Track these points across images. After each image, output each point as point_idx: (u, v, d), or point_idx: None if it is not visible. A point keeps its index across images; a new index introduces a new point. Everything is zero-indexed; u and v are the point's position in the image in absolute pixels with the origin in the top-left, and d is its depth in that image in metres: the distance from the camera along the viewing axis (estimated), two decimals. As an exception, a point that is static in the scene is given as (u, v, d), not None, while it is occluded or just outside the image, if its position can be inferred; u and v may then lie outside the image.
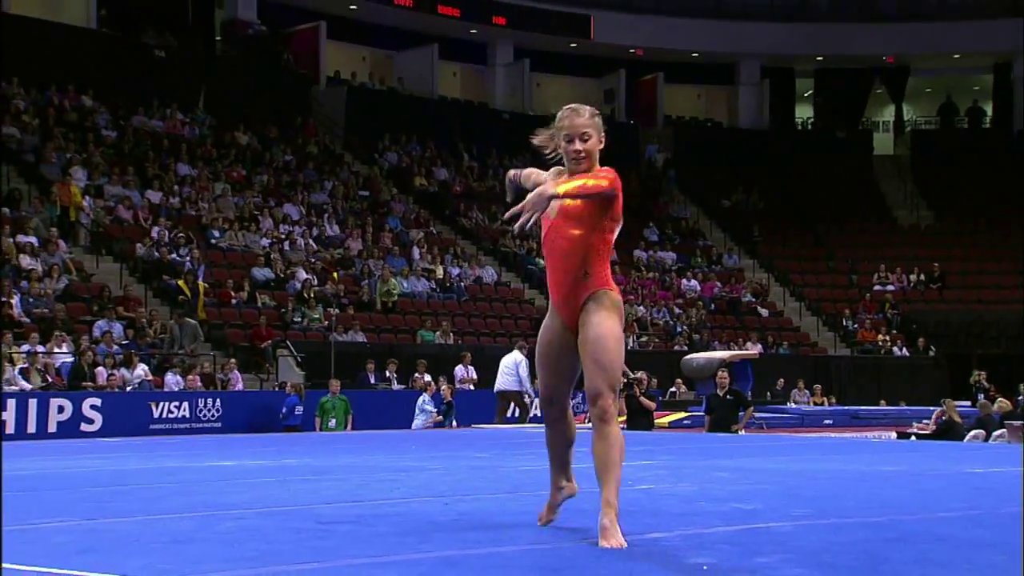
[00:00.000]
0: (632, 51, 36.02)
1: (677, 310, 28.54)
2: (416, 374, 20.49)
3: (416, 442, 13.71)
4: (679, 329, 27.51)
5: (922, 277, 32.43)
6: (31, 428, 16.29)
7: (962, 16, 35.82)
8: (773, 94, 37.75)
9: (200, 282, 21.05)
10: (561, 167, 4.95)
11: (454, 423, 19.05)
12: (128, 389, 18.16)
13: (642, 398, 17.09)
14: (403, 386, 20.70)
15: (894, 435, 18.43)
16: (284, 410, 18.59)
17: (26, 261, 19.94)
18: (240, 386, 19.66)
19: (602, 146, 4.85)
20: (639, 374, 17.73)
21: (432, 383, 19.72)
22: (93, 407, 17.03)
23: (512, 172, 5.48)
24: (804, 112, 39.44)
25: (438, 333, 23.34)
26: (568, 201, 4.75)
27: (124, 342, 19.37)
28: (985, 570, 4.30)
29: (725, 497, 6.69)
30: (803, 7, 37.21)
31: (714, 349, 24.15)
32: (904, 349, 29.42)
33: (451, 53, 34.71)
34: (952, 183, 35.69)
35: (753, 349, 24.81)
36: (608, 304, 4.81)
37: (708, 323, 28.52)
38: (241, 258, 23.48)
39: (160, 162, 25.32)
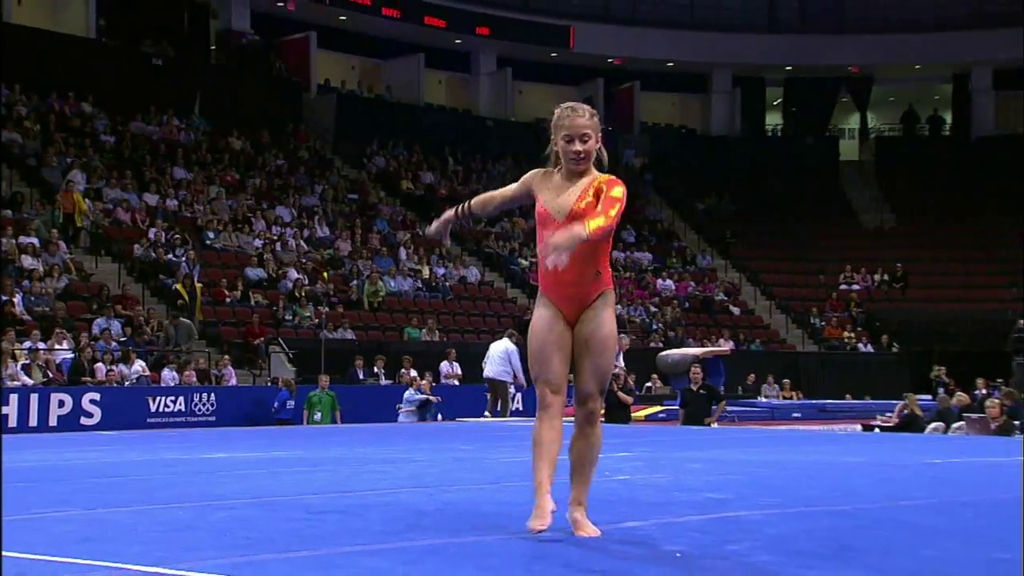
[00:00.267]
0: (610, 60, 36.05)
1: (653, 308, 28.58)
2: (403, 370, 20.47)
3: (403, 435, 13.70)
4: (655, 327, 27.54)
5: (886, 277, 32.53)
6: (33, 422, 16.22)
7: (923, 29, 35.94)
8: (744, 102, 37.80)
9: (198, 284, 20.98)
10: (544, 169, 4.81)
11: (439, 417, 19.03)
12: (126, 384, 18.12)
13: (620, 393, 17.08)
14: (390, 381, 20.67)
15: (859, 427, 18.46)
16: (276, 404, 18.56)
17: (28, 261, 19.88)
18: (234, 381, 19.62)
19: (598, 146, 4.72)
20: (617, 370, 17.73)
21: (418, 378, 19.71)
22: (92, 401, 16.97)
23: (446, 215, 5.27)
24: (774, 119, 39.51)
25: (424, 330, 23.33)
26: (585, 201, 4.64)
27: (122, 339, 19.31)
28: (942, 555, 4.32)
29: (698, 487, 6.70)
30: (773, 19, 37.29)
31: (688, 346, 24.14)
32: (869, 346, 29.51)
33: (437, 62, 34.68)
34: (914, 188, 35.80)
35: (725, 346, 24.81)
36: (612, 304, 4.79)
37: (682, 321, 28.55)
38: (235, 258, 23.42)
39: (157, 166, 25.25)
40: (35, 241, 20.62)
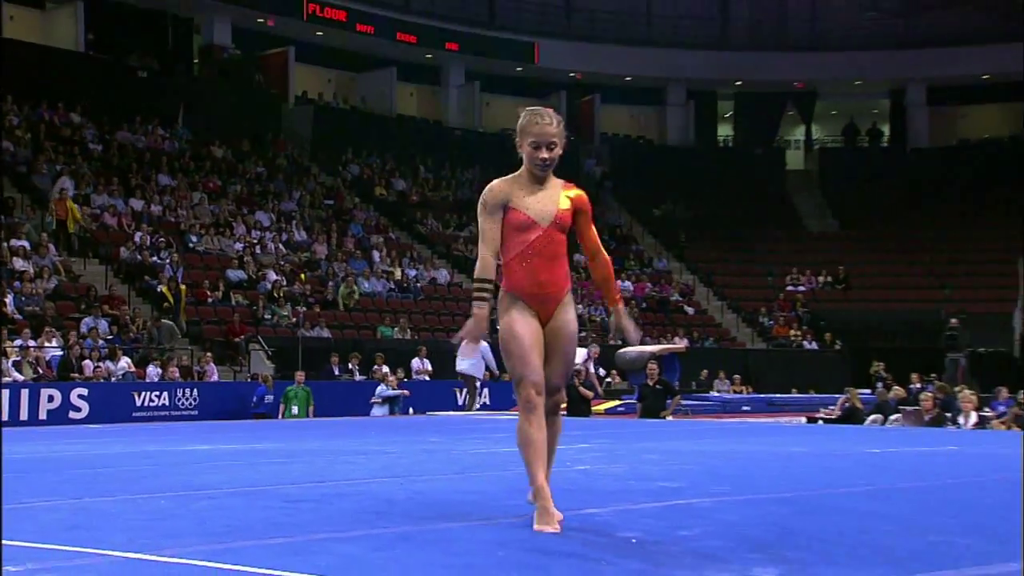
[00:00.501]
0: (572, 75, 36.09)
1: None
2: (375, 366, 20.43)
3: (376, 428, 13.67)
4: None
5: (829, 279, 32.75)
6: (23, 415, 16.08)
7: (862, 47, 36.21)
8: (697, 114, 37.93)
9: (182, 286, 20.84)
10: (497, 181, 4.66)
11: (410, 410, 18.99)
12: (112, 380, 17.98)
13: (581, 388, 17.11)
14: (364, 377, 20.62)
15: (804, 420, 18.50)
16: (255, 399, 18.48)
17: (19, 263, 19.71)
18: (215, 377, 19.52)
19: (561, 152, 4.64)
20: (578, 366, 17.75)
21: (389, 374, 19.68)
22: (80, 396, 16.84)
23: (481, 312, 4.61)
24: (725, 131, 39.68)
25: (396, 329, 23.28)
26: (563, 207, 4.62)
27: (109, 337, 19.18)
28: (880, 539, 4.35)
29: (654, 477, 6.71)
30: (724, 37, 37.46)
31: (645, 344, 24.21)
32: (813, 343, 29.68)
33: (408, 75, 34.63)
34: (855, 195, 36.03)
35: (680, 343, 24.87)
36: (573, 304, 4.79)
37: (640, 320, 28.60)
38: (216, 260, 23.29)
39: (142, 173, 25.09)
40: (26, 244, 20.45)
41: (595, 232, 4.85)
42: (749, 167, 37.02)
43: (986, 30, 35.03)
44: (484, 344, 17.76)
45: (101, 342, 18.69)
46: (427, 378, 21.21)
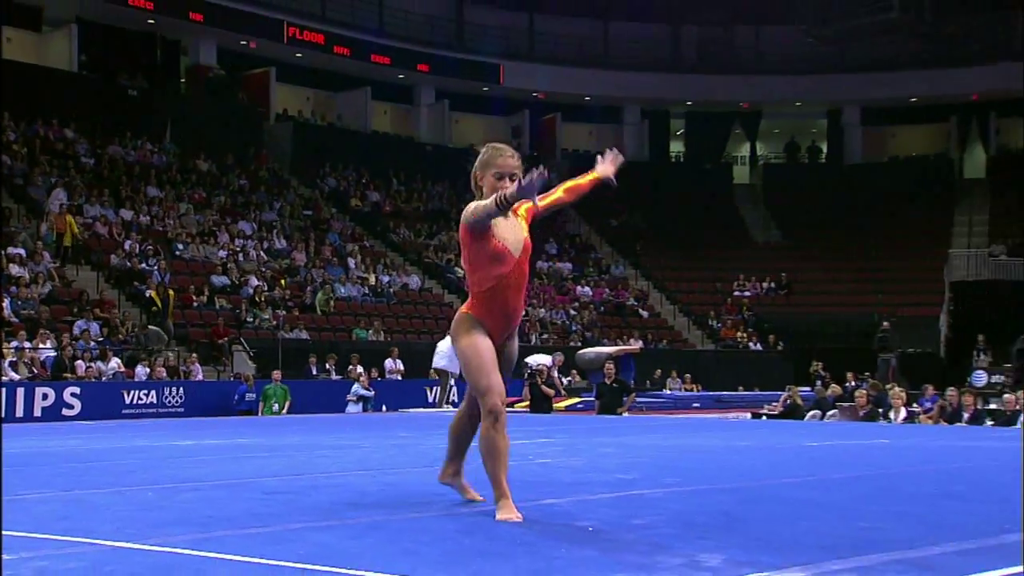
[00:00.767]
0: (535, 94, 36.12)
1: (572, 312, 28.67)
2: (350, 366, 20.34)
3: (351, 425, 13.61)
4: (574, 328, 27.63)
5: (772, 285, 32.94)
6: (19, 413, 15.89)
7: (803, 72, 36.44)
8: (651, 132, 38.02)
9: (170, 292, 20.67)
10: (483, 201, 4.58)
11: (383, 408, 18.93)
12: (103, 379, 17.81)
13: (543, 386, 17.12)
14: (340, 376, 20.52)
15: (749, 415, 18.58)
16: (236, 396, 18.34)
17: (15, 270, 19.50)
18: (200, 377, 19.37)
19: None
20: (540, 366, 17.76)
21: (364, 374, 19.60)
22: (73, 395, 16.67)
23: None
24: (677, 147, 39.80)
25: (371, 331, 23.20)
26: (526, 234, 4.68)
27: (100, 339, 19.00)
28: (816, 526, 4.38)
29: (610, 469, 6.72)
30: (676, 61, 37.60)
31: (603, 345, 24.26)
32: (758, 344, 29.82)
33: (382, 94, 34.51)
34: (796, 208, 36.24)
35: (635, 345, 24.90)
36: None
37: (598, 323, 28.68)
38: (201, 267, 23.13)
39: (132, 185, 24.89)
40: (22, 252, 20.24)
41: (546, 200, 4.88)
42: (699, 181, 37.18)
43: (915, 57, 35.42)
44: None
45: (92, 344, 18.51)
46: (399, 377, 21.16)
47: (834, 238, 34.75)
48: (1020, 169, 34.93)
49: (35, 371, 17.19)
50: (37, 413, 16.12)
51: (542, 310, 27.60)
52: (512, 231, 4.63)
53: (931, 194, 34.98)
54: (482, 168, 4.65)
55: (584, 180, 5.02)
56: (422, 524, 4.36)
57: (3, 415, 15.36)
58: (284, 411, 18.06)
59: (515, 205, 4.65)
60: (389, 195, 31.26)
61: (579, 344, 24.98)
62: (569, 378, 22.66)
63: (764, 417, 17.85)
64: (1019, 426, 12.89)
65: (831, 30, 32.67)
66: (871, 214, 35.35)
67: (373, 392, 19.09)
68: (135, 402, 17.35)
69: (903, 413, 14.73)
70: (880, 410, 15.06)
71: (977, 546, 3.91)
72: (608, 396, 15.79)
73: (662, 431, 11.56)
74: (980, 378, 21.63)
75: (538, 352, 21.05)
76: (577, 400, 19.45)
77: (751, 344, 29.70)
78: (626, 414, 15.70)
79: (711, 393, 23.19)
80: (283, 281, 23.75)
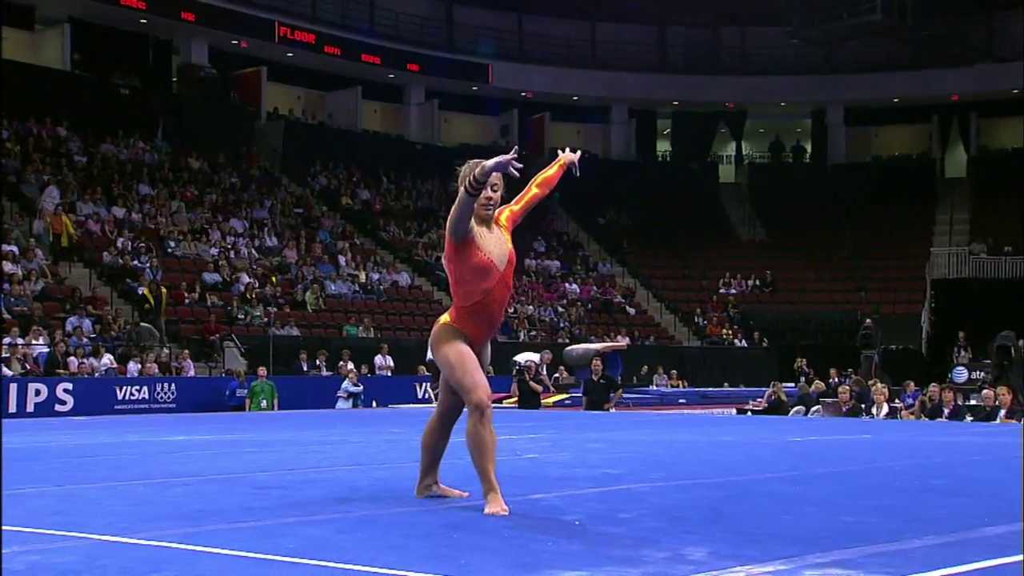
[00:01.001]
0: (524, 94, 36.11)
1: (560, 309, 28.68)
2: (341, 362, 20.31)
3: (342, 420, 13.60)
4: (562, 325, 27.65)
5: (757, 283, 33.00)
6: (12, 408, 15.83)
7: (787, 72, 36.53)
8: (638, 131, 38.06)
9: (163, 290, 20.60)
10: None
11: (373, 403, 18.92)
12: (96, 375, 17.74)
13: (531, 383, 17.11)
14: (331, 373, 20.50)
15: (734, 411, 18.61)
16: (228, 392, 18.30)
17: (8, 267, 19.41)
18: (192, 373, 19.32)
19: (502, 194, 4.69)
20: (528, 363, 17.76)
21: (354, 370, 19.56)
22: (66, 390, 16.61)
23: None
24: (663, 146, 39.84)
25: (361, 328, 23.17)
26: (510, 246, 4.69)
27: (92, 335, 18.92)
28: (800, 520, 4.39)
29: (597, 464, 6.73)
30: (662, 62, 37.66)
31: (590, 341, 24.30)
32: (743, 341, 29.88)
33: (372, 94, 34.46)
34: (781, 206, 36.34)
35: (622, 341, 24.98)
36: None
37: (586, 320, 28.70)
38: (193, 264, 23.06)
39: (124, 183, 24.79)
40: (15, 249, 20.15)
41: (523, 201, 4.90)
42: (685, 180, 37.26)
43: (898, 58, 35.55)
44: None
45: (85, 340, 18.44)
46: (389, 373, 21.14)
47: (818, 236, 34.87)
48: (1000, 169, 35.13)
49: (28, 367, 17.13)
50: (30, 409, 16.06)
51: (530, 307, 27.61)
52: (497, 244, 4.63)
53: (913, 193, 35.10)
54: (463, 182, 4.63)
55: (552, 170, 5.05)
56: (412, 518, 4.36)
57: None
58: (272, 407, 18.00)
59: (496, 214, 4.67)
60: (379, 193, 31.22)
61: (567, 341, 25.01)
62: (557, 375, 22.68)
63: (749, 413, 17.88)
64: (999, 421, 12.95)
65: (815, 32, 32.76)
66: (854, 213, 35.48)
67: (362, 388, 19.06)
68: (127, 398, 17.30)
69: (885, 409, 14.77)
70: (863, 406, 15.10)
71: (958, 539, 3.93)
72: (595, 392, 15.79)
73: (648, 427, 11.58)
74: (961, 374, 21.74)
75: (526, 350, 21.08)
76: (565, 396, 19.44)
77: (736, 341, 29.77)
78: (613, 410, 15.69)
79: (697, 389, 23.20)
80: (274, 278, 23.71)
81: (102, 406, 16.57)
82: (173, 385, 18.04)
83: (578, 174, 5.06)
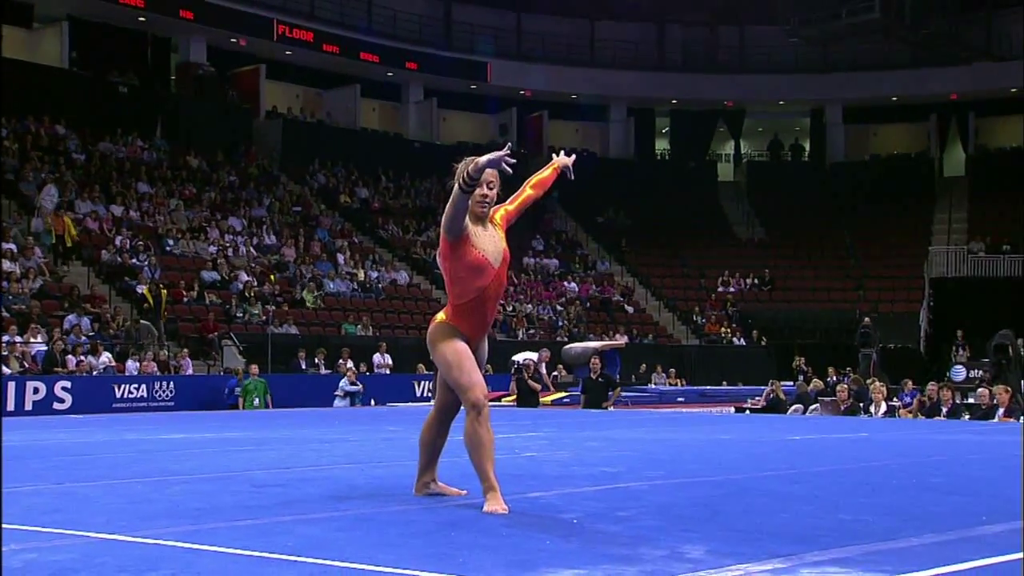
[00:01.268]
0: (522, 92, 36.10)
1: (559, 307, 28.69)
2: (340, 360, 20.30)
3: (339, 419, 13.60)
4: (560, 323, 27.65)
5: (756, 281, 33.01)
6: (10, 407, 15.81)
7: (786, 71, 36.57)
8: (637, 130, 38.04)
9: (163, 291, 20.59)
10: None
11: (372, 402, 18.91)
12: (94, 373, 17.73)
13: (530, 381, 17.11)
14: (329, 371, 20.49)
15: (732, 409, 18.58)
16: (226, 390, 18.29)
17: (6, 265, 19.40)
18: (190, 371, 19.31)
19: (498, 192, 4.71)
20: (527, 361, 17.75)
21: (353, 369, 19.55)
22: (64, 389, 16.59)
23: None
24: (662, 145, 39.85)
25: (359, 326, 23.17)
26: (505, 244, 4.70)
27: (91, 334, 18.91)
28: (798, 518, 4.39)
29: (595, 462, 6.73)
30: (661, 60, 37.66)
31: (589, 340, 24.31)
32: (741, 339, 29.90)
33: (371, 92, 34.45)
34: (779, 205, 36.36)
35: (621, 340, 24.99)
36: None
37: (584, 318, 28.70)
38: (192, 263, 23.05)
39: (123, 181, 24.78)
40: (13, 247, 20.14)
41: (518, 201, 4.90)
42: (684, 179, 37.26)
43: (895, 57, 35.57)
44: None
45: (83, 338, 18.43)
46: (387, 372, 21.14)
47: (816, 235, 34.88)
48: (998, 167, 35.15)
49: (26, 365, 17.12)
50: (28, 407, 16.04)
51: (529, 306, 27.61)
52: (491, 242, 4.64)
53: (911, 192, 35.13)
54: (458, 179, 4.64)
55: (546, 172, 5.06)
56: (409, 517, 4.36)
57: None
58: (265, 405, 17.96)
59: (491, 213, 4.68)
60: (378, 192, 31.22)
61: (565, 339, 25.02)
62: (555, 373, 22.68)
63: (747, 411, 17.86)
64: (996, 420, 12.96)
65: (814, 31, 32.78)
66: (853, 212, 35.51)
67: (361, 387, 19.05)
68: (126, 396, 17.28)
69: (883, 407, 14.78)
70: (861, 404, 15.10)
71: (956, 537, 3.93)
72: (594, 391, 15.78)
73: (647, 425, 11.58)
74: (959, 373, 21.74)
75: (525, 348, 21.08)
76: (563, 394, 19.44)
77: (735, 339, 29.78)
78: (611, 408, 15.69)
79: (695, 388, 23.19)
80: (272, 277, 23.70)
81: (100, 404, 16.56)
82: (172, 383, 18.03)
83: (572, 177, 5.07)
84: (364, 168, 31.60)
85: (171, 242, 23.23)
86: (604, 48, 36.98)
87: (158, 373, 18.28)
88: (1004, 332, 19.91)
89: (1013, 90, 33.65)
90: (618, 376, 17.26)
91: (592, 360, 16.12)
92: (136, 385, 17.52)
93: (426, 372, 19.31)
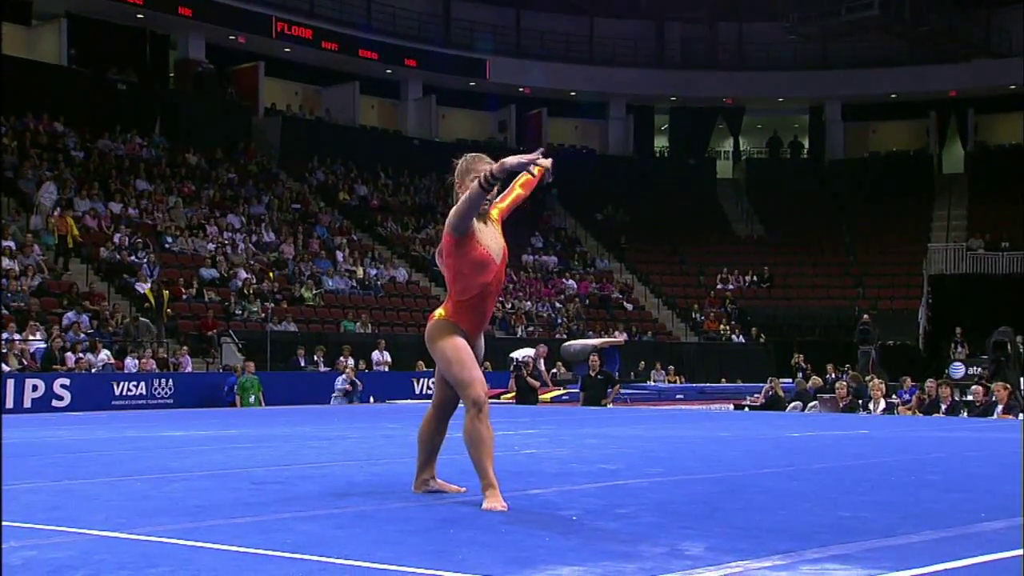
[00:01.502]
0: (521, 90, 36.09)
1: (558, 304, 28.69)
2: (340, 358, 20.29)
3: (339, 416, 13.60)
4: (559, 320, 27.65)
5: (755, 278, 33.02)
6: (9, 404, 15.81)
7: (785, 68, 36.58)
8: (636, 127, 38.04)
9: (165, 292, 20.58)
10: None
11: (371, 399, 18.90)
12: (93, 371, 17.73)
13: (529, 378, 17.11)
14: (328, 368, 20.48)
15: (731, 407, 18.58)
16: (226, 388, 18.28)
17: (5, 262, 19.39)
18: (189, 368, 19.31)
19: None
20: (526, 359, 17.74)
21: (351, 366, 19.53)
22: (63, 386, 16.59)
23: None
24: (661, 142, 39.85)
25: (358, 323, 23.16)
26: (503, 242, 4.71)
27: (89, 331, 18.91)
28: (797, 515, 4.39)
29: (594, 459, 6.73)
30: (660, 57, 37.65)
31: (588, 337, 24.29)
32: (740, 337, 29.90)
33: (370, 89, 34.45)
34: (778, 202, 36.36)
35: (620, 337, 24.94)
36: None
37: (583, 315, 28.71)
38: (191, 260, 23.05)
39: (121, 179, 24.77)
40: (12, 244, 20.13)
41: (508, 199, 4.91)
42: (683, 176, 37.25)
43: (894, 54, 35.57)
44: None
45: (82, 335, 18.42)
46: (386, 369, 21.14)
47: (816, 232, 34.89)
48: (998, 164, 35.16)
49: (25, 363, 17.11)
50: (27, 404, 16.04)
51: (528, 303, 27.60)
52: (493, 239, 4.66)
53: (910, 189, 35.12)
54: (462, 176, 4.66)
55: (533, 172, 5.03)
56: (408, 513, 4.35)
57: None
58: (259, 403, 17.93)
59: (488, 209, 4.69)
60: (376, 189, 31.21)
61: (564, 336, 25.00)
62: (554, 370, 22.67)
63: (746, 408, 17.86)
64: (995, 416, 12.97)
65: (813, 27, 32.78)
66: (852, 209, 35.52)
67: (360, 384, 19.03)
68: (124, 393, 17.28)
69: (882, 404, 14.78)
70: (860, 401, 15.11)
71: (955, 534, 3.93)
72: (593, 388, 15.78)
73: (646, 422, 11.58)
74: (958, 370, 21.73)
75: (524, 346, 21.08)
76: (562, 392, 19.43)
77: (734, 337, 29.78)
78: (610, 405, 15.70)
79: (694, 385, 23.20)
80: (271, 274, 23.69)
81: (99, 402, 16.56)
82: (170, 381, 18.03)
83: (551, 180, 5.06)
84: (363, 165, 31.59)
85: (170, 239, 23.22)
86: (603, 45, 36.96)
87: (157, 370, 18.27)
88: (1003, 329, 19.92)
89: (1012, 87, 33.65)
90: (617, 373, 17.24)
91: (591, 357, 16.11)
92: (135, 382, 17.53)
93: (426, 369, 19.30)
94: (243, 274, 22.85)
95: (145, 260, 21.35)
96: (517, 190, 5.00)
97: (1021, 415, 12.72)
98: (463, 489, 4.83)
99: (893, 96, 36.52)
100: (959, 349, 25.30)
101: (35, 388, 16.29)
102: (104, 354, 18.16)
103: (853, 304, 30.67)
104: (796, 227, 35.14)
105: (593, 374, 15.85)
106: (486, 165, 4.64)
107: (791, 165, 38.94)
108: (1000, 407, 13.21)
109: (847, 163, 37.43)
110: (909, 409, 14.90)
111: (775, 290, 32.68)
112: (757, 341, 29.52)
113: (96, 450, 7.91)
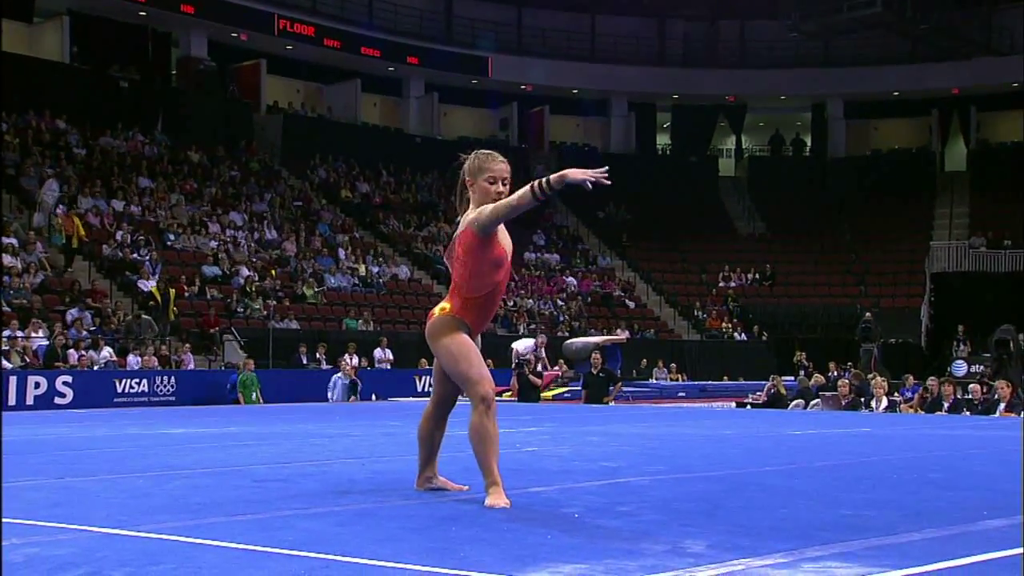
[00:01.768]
0: (523, 87, 36.09)
1: (560, 302, 28.69)
2: (345, 355, 20.28)
3: (340, 413, 13.60)
4: (561, 318, 27.64)
5: (757, 276, 33.02)
6: (11, 401, 15.83)
7: (787, 66, 36.57)
8: (638, 125, 38.03)
9: (171, 291, 20.61)
10: (499, 202, 4.54)
11: (373, 396, 18.91)
12: (95, 368, 17.75)
13: (531, 376, 17.12)
14: (330, 366, 20.48)
15: (733, 404, 18.60)
16: (229, 385, 18.29)
17: (8, 259, 19.40)
18: (192, 366, 19.33)
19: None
20: (528, 356, 17.75)
21: (350, 364, 19.52)
22: (65, 383, 16.62)
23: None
24: (663, 140, 39.85)
25: (360, 321, 23.17)
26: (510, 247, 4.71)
27: (92, 328, 18.93)
28: (799, 513, 4.38)
29: (595, 457, 6.73)
30: (662, 55, 37.63)
31: (590, 335, 24.27)
32: (742, 334, 29.90)
33: (372, 87, 34.45)
34: (780, 200, 36.35)
35: (622, 335, 24.96)
36: None
37: (585, 313, 28.70)
38: (193, 257, 23.07)
39: (124, 176, 24.79)
40: (14, 241, 20.15)
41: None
42: (685, 173, 37.25)
43: (896, 52, 35.53)
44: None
45: (85, 333, 18.45)
46: (388, 366, 21.15)
47: (818, 230, 34.88)
48: (1000, 162, 35.13)
49: (27, 360, 17.12)
50: (29, 401, 16.06)
51: (530, 301, 27.60)
52: (506, 238, 4.67)
53: (913, 187, 35.11)
54: (473, 174, 4.61)
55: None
56: (410, 511, 4.35)
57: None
58: (257, 400, 17.94)
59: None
60: (378, 186, 31.21)
61: (566, 334, 25.00)
62: (556, 368, 22.66)
63: (748, 406, 17.87)
64: (997, 415, 12.97)
65: (815, 25, 32.75)
66: (854, 207, 35.49)
67: (360, 382, 19.02)
68: (127, 391, 17.30)
69: (884, 402, 14.78)
70: (862, 399, 15.10)
71: (957, 532, 3.93)
72: (595, 385, 15.79)
73: (648, 420, 11.58)
74: (960, 368, 21.73)
75: (522, 337, 21.08)
76: (564, 389, 19.43)
77: (736, 334, 29.78)
78: (612, 403, 15.71)
79: (696, 383, 23.22)
80: (273, 272, 23.70)
81: (101, 399, 16.57)
82: (173, 378, 18.05)
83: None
84: (365, 163, 31.59)
85: (172, 237, 23.23)
86: (605, 43, 36.94)
87: (159, 368, 18.29)
88: (1005, 327, 19.91)
89: (1014, 85, 33.62)
90: (619, 371, 17.26)
91: (593, 355, 16.14)
92: (137, 380, 17.54)
93: (428, 367, 19.30)
94: (245, 271, 22.86)
95: (147, 258, 21.37)
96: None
97: (1023, 413, 12.71)
98: (466, 487, 4.83)
99: (895, 94, 36.50)
100: (961, 347, 25.27)
101: (37, 385, 16.31)
102: (106, 351, 18.18)
103: (855, 302, 30.66)
104: (798, 225, 35.13)
105: (595, 372, 15.87)
106: (499, 164, 4.61)
107: (793, 163, 38.92)
108: (1002, 405, 13.21)
109: (849, 161, 37.40)
110: (911, 407, 14.90)
111: (777, 288, 32.67)
112: (759, 339, 29.51)
113: (98, 447, 7.92)
